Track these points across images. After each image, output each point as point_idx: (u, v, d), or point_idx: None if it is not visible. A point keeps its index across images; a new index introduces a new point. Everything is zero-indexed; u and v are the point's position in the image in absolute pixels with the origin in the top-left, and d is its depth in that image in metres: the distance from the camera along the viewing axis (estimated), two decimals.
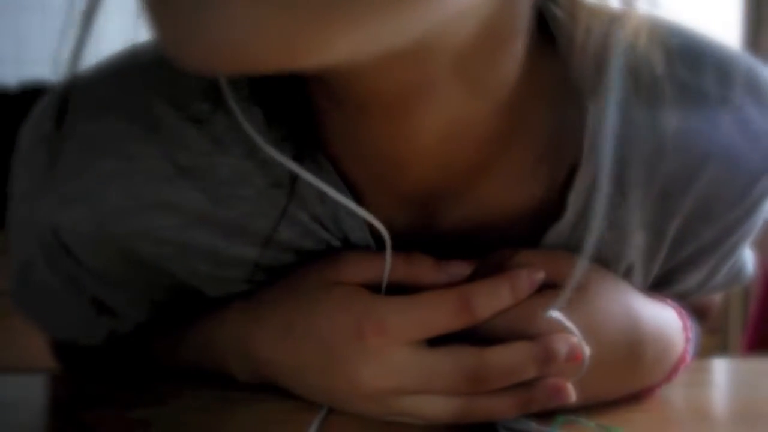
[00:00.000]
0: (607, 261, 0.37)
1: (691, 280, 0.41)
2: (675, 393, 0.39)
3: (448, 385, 0.33)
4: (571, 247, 0.37)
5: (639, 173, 0.35)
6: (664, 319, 0.38)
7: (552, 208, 0.36)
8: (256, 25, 0.19)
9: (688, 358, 0.38)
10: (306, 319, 0.35)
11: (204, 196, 0.35)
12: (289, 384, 0.37)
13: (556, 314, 0.33)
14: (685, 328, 0.39)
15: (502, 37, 0.30)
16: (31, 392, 0.41)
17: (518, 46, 0.31)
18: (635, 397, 0.37)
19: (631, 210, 0.36)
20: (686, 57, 0.34)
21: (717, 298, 0.51)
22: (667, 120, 0.34)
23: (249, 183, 0.35)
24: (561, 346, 0.33)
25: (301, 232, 0.37)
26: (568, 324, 0.33)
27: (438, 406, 0.34)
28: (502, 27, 0.30)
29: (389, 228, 0.36)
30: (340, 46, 0.21)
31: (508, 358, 0.33)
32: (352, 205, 0.35)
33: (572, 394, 0.34)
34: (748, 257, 0.45)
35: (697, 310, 0.47)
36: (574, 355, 0.33)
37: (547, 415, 0.34)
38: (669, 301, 0.39)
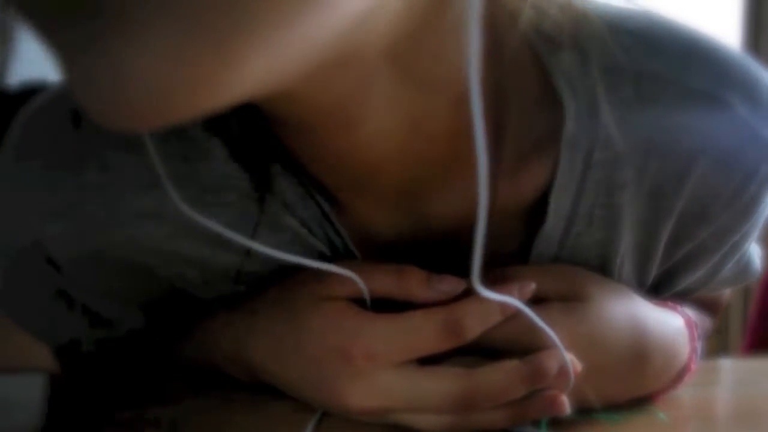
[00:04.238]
0: (600, 263, 0.37)
1: (693, 278, 0.41)
2: (675, 392, 0.39)
3: (437, 406, 0.33)
4: (565, 255, 0.37)
5: (627, 173, 0.34)
6: (670, 328, 0.37)
7: (543, 213, 0.36)
8: (157, 79, 0.19)
9: (694, 367, 0.38)
10: (295, 334, 0.35)
11: (187, 204, 0.34)
12: (284, 390, 0.37)
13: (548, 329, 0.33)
14: (692, 338, 0.38)
15: (435, 27, 0.28)
16: (32, 392, 0.41)
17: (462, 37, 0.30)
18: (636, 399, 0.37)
19: (620, 210, 0.35)
20: (674, 55, 0.33)
21: (726, 293, 0.51)
22: (654, 118, 0.33)
23: (231, 188, 0.35)
24: (551, 364, 0.33)
25: (288, 237, 0.37)
26: (557, 341, 0.33)
27: (429, 422, 0.34)
28: (432, 18, 0.27)
29: (375, 232, 0.35)
30: (250, 74, 0.20)
31: (497, 380, 0.33)
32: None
33: (567, 406, 0.33)
34: (755, 253, 0.45)
35: (705, 305, 0.47)
36: (564, 372, 0.33)
37: None
38: (678, 308, 0.39)
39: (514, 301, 0.32)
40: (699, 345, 0.39)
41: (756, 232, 0.39)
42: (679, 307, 0.39)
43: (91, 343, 0.42)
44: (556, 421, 0.34)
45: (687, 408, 0.38)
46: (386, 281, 0.34)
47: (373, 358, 0.33)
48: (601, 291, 0.36)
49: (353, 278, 0.34)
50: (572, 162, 0.34)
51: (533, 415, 0.34)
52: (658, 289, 0.41)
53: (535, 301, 0.34)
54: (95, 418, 0.37)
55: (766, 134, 0.34)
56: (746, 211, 0.36)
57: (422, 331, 0.33)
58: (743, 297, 1.44)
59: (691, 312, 0.44)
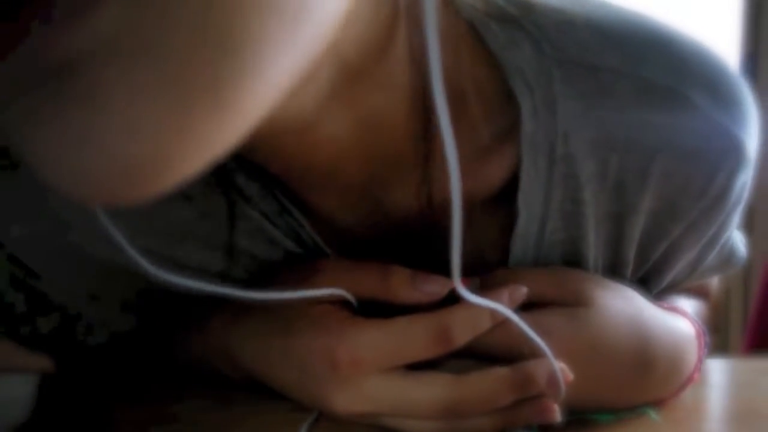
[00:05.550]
0: (576, 260, 0.37)
1: (675, 272, 0.40)
2: None
3: (424, 413, 0.33)
4: (544, 256, 0.36)
5: (589, 167, 0.34)
6: (677, 335, 0.36)
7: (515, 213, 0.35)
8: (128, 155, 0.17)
9: (697, 377, 0.38)
10: (282, 338, 0.35)
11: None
12: (275, 389, 0.36)
13: (535, 336, 0.32)
14: (699, 347, 0.37)
15: (384, 27, 0.28)
16: (23, 390, 0.41)
17: (401, 39, 0.29)
18: None
19: (587, 205, 0.35)
20: (632, 49, 0.33)
21: (715, 280, 0.50)
22: (612, 113, 0.33)
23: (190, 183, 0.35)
24: (540, 373, 0.32)
25: (251, 230, 0.36)
26: (546, 348, 0.32)
27: (418, 427, 0.33)
28: (378, 17, 0.27)
29: (341, 226, 0.35)
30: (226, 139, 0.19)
31: (485, 387, 0.32)
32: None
33: (557, 415, 0.33)
34: (738, 240, 0.44)
35: (695, 293, 0.47)
36: (554, 381, 0.32)
37: None
38: (689, 315, 0.38)
39: (499, 307, 0.32)
40: (705, 354, 0.38)
41: (734, 223, 0.39)
42: (689, 314, 0.38)
43: (75, 347, 0.41)
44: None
45: (686, 408, 0.38)
46: (369, 282, 0.34)
47: (358, 364, 0.32)
48: (604, 295, 0.35)
49: (339, 292, 0.34)
50: (535, 159, 0.34)
51: (523, 421, 0.33)
52: (646, 287, 0.40)
53: (535, 306, 0.34)
54: (95, 418, 0.37)
55: (729, 127, 0.34)
56: (717, 204, 0.36)
57: (410, 338, 0.32)
58: (743, 297, 1.44)
59: (688, 303, 0.44)
